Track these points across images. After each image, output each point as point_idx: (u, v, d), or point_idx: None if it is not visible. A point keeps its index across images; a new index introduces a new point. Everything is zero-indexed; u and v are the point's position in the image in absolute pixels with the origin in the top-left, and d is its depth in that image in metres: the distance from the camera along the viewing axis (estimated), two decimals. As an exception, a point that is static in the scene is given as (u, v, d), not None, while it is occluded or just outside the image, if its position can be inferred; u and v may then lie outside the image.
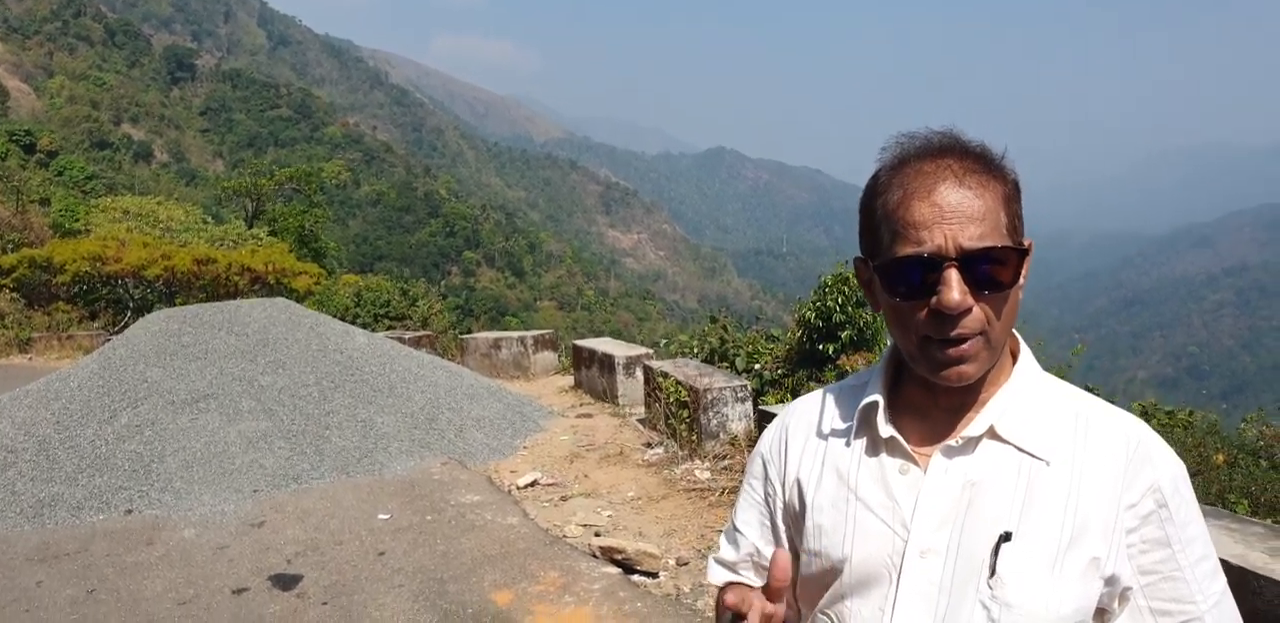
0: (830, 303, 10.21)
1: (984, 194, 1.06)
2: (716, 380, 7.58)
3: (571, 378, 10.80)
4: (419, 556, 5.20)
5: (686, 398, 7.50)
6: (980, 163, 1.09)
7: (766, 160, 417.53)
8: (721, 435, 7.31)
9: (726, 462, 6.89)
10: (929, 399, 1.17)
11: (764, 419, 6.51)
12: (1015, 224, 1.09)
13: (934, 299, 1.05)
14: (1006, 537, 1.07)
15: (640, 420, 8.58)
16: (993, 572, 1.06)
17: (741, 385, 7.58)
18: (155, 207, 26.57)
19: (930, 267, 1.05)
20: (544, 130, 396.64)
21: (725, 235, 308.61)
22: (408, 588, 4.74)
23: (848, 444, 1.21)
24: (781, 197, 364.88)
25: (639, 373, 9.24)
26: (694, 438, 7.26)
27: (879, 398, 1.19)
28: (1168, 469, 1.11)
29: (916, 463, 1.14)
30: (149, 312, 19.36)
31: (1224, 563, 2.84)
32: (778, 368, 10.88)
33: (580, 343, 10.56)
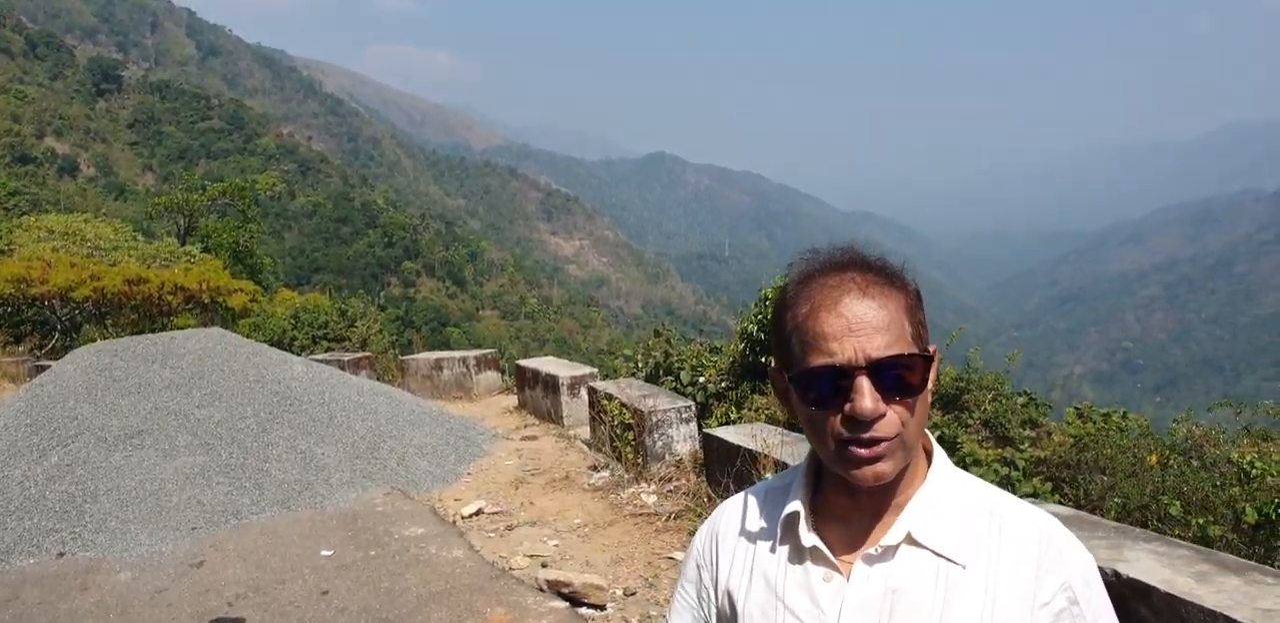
0: (771, 315, 10.30)
1: (887, 304, 1.12)
2: (661, 402, 7.60)
3: (515, 398, 10.74)
4: (363, 594, 5.13)
5: (631, 420, 7.51)
6: (881, 275, 1.15)
7: (707, 165, 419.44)
8: (667, 457, 7.33)
9: (673, 484, 6.91)
10: (850, 503, 1.20)
11: (709, 442, 6.54)
12: (919, 332, 1.14)
13: (848, 406, 1.10)
14: None
15: (586, 442, 8.57)
16: None
17: (686, 406, 7.61)
18: (82, 224, 25.84)
19: (842, 376, 1.10)
20: (483, 138, 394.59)
21: (668, 240, 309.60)
22: (352, 630, 4.67)
23: (773, 550, 1.24)
24: (723, 201, 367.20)
25: (583, 393, 9.23)
26: (640, 461, 7.26)
27: (800, 508, 1.22)
28: (1078, 566, 1.16)
29: (839, 571, 1.17)
30: (77, 333, 18.89)
31: (1152, 589, 2.93)
32: (722, 381, 10.95)
33: (524, 363, 10.51)
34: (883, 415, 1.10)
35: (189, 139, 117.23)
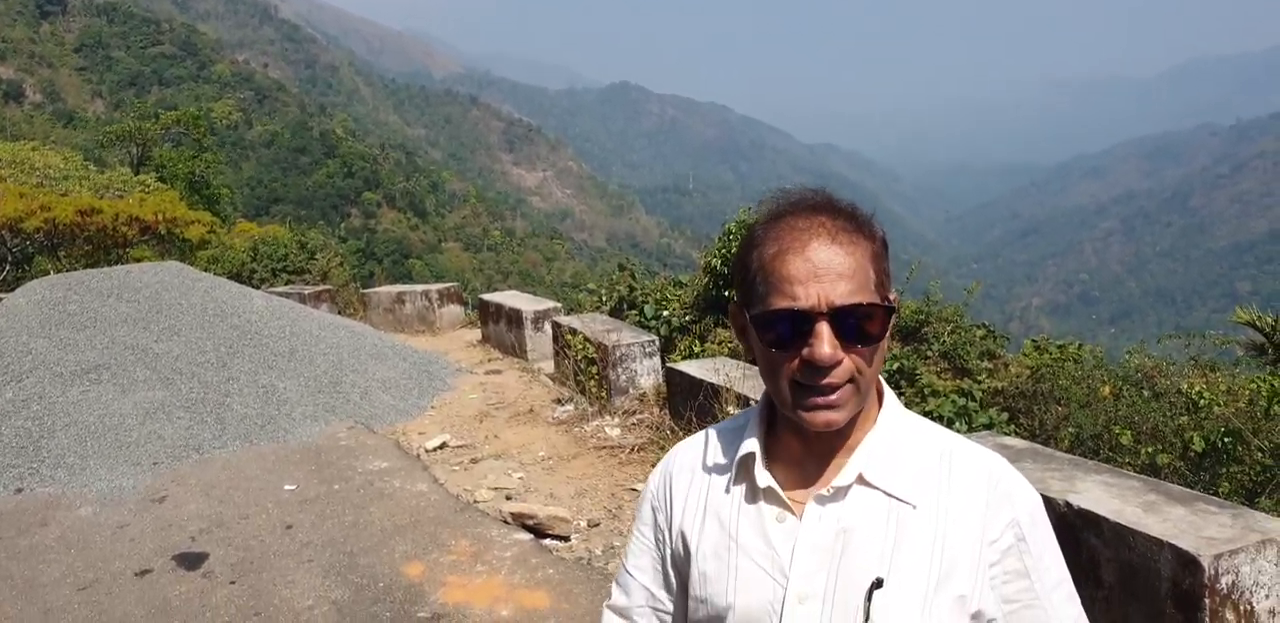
0: (735, 249, 10.30)
1: (854, 252, 1.11)
2: (625, 336, 7.61)
3: (479, 332, 10.71)
4: (327, 528, 5.16)
5: (595, 354, 7.52)
6: (851, 222, 1.14)
7: (671, 96, 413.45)
8: (631, 391, 7.37)
9: (636, 418, 6.96)
10: (802, 445, 1.21)
11: (671, 376, 6.58)
12: (883, 280, 1.14)
13: (806, 351, 1.10)
14: (878, 583, 1.11)
15: (550, 376, 8.59)
16: (866, 618, 1.11)
17: (650, 340, 7.63)
18: (30, 153, 24.99)
19: (802, 320, 1.10)
20: (442, 66, 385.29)
21: (633, 172, 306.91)
22: (317, 563, 4.71)
23: (727, 491, 1.25)
24: (688, 133, 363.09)
25: (547, 328, 9.21)
26: (603, 394, 7.30)
27: (755, 448, 1.23)
28: (1025, 504, 1.18)
29: (792, 511, 1.18)
30: (29, 265, 18.46)
31: (1101, 519, 3.01)
32: (686, 314, 10.98)
33: (487, 297, 10.45)
34: (839, 362, 1.10)
35: (140, 65, 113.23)
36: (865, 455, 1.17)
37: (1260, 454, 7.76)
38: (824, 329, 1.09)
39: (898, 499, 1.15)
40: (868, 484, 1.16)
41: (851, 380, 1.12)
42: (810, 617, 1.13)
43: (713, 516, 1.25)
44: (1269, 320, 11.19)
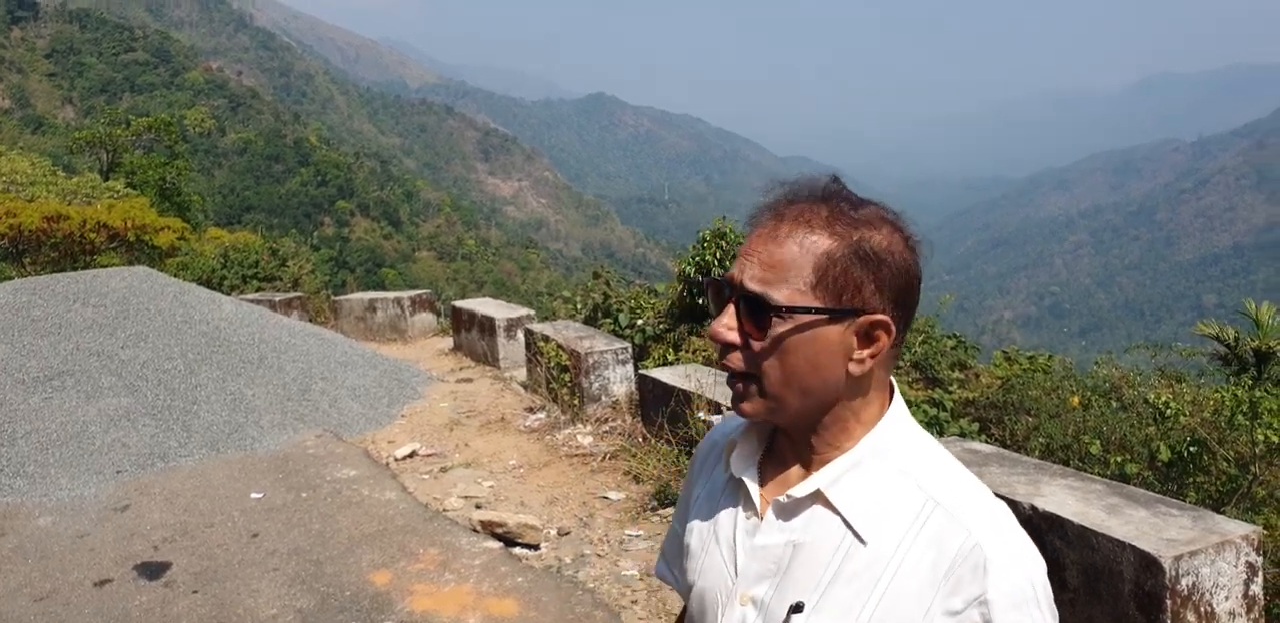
0: (709, 258, 10.34)
1: (801, 245, 1.05)
2: (597, 343, 7.60)
3: (451, 339, 10.66)
4: (294, 536, 5.10)
5: (568, 361, 7.50)
6: (824, 217, 1.07)
7: (647, 108, 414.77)
8: (604, 398, 7.36)
9: (609, 425, 6.94)
10: (789, 443, 1.16)
11: (644, 382, 6.57)
12: (829, 287, 1.04)
13: None
14: (797, 608, 1.06)
15: (522, 384, 8.56)
16: None
17: (623, 347, 7.62)
18: (-4, 159, 24.75)
19: (721, 291, 1.11)
20: (418, 76, 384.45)
21: (608, 183, 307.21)
22: (283, 571, 4.64)
23: (724, 472, 1.23)
24: (663, 144, 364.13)
25: (520, 335, 9.18)
26: (576, 402, 7.28)
27: (737, 435, 1.20)
28: (1006, 584, 1.01)
29: (757, 512, 1.15)
30: (-6, 274, 18.19)
31: (1065, 521, 3.03)
32: (660, 323, 10.99)
33: (460, 304, 10.41)
34: (734, 345, 1.09)
35: (111, 72, 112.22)
36: (831, 472, 1.09)
37: (1225, 464, 7.86)
38: (729, 307, 1.08)
39: (851, 529, 1.06)
40: (827, 503, 1.09)
41: (749, 375, 1.08)
42: (747, 620, 1.11)
43: (712, 491, 1.24)
44: (1231, 333, 11.38)
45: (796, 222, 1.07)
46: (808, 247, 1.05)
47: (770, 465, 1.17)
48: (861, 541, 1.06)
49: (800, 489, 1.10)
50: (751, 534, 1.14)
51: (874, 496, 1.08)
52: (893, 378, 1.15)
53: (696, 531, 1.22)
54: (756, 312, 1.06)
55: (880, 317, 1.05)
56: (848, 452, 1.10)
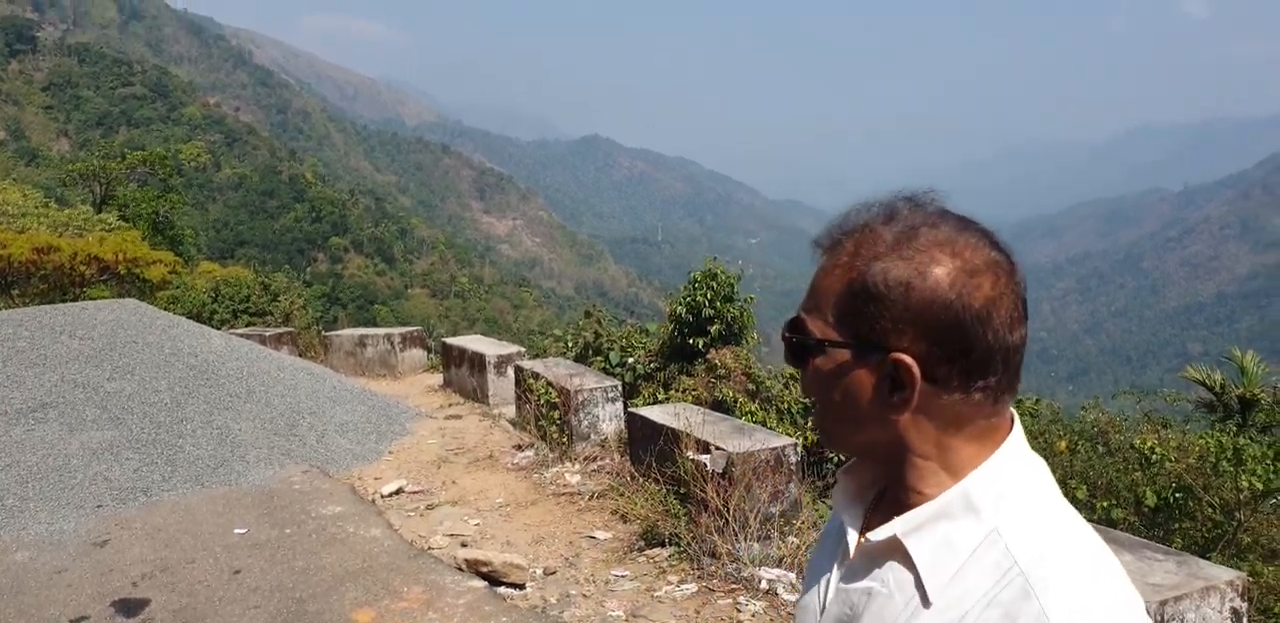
0: (699, 298, 10.38)
1: (829, 273, 1.00)
2: (587, 381, 7.59)
3: (441, 376, 10.63)
4: (277, 573, 5.04)
5: (557, 399, 7.48)
6: (852, 245, 0.99)
7: (641, 150, 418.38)
8: (593, 437, 7.34)
9: (597, 464, 6.91)
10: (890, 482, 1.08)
11: (633, 421, 6.55)
12: (846, 321, 0.98)
13: None
14: None
15: (511, 421, 8.53)
16: None
17: (613, 386, 7.62)
18: (-13, 189, 24.75)
19: None
20: (415, 114, 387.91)
21: (602, 223, 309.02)
22: (264, 609, 4.58)
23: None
24: (656, 186, 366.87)
25: (510, 372, 9.17)
26: (564, 440, 7.25)
27: (841, 473, 1.13)
28: None
29: (849, 552, 1.06)
30: (-17, 305, 18.12)
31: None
32: (651, 362, 10.99)
33: (450, 341, 10.40)
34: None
35: (109, 105, 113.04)
36: (911, 519, 0.98)
37: (1210, 510, 7.87)
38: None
39: (921, 587, 0.95)
40: (905, 553, 0.97)
41: (812, 402, 1.04)
42: None
43: (830, 527, 1.18)
44: (1218, 379, 11.45)
45: (834, 248, 1.01)
46: (835, 276, 0.99)
47: (885, 504, 1.06)
48: (926, 602, 0.94)
49: (878, 534, 1.00)
50: (841, 576, 1.06)
51: (955, 554, 0.94)
52: (1016, 420, 1.01)
53: (812, 565, 1.17)
54: (791, 339, 1.03)
55: (898, 357, 0.94)
56: (933, 500, 0.98)
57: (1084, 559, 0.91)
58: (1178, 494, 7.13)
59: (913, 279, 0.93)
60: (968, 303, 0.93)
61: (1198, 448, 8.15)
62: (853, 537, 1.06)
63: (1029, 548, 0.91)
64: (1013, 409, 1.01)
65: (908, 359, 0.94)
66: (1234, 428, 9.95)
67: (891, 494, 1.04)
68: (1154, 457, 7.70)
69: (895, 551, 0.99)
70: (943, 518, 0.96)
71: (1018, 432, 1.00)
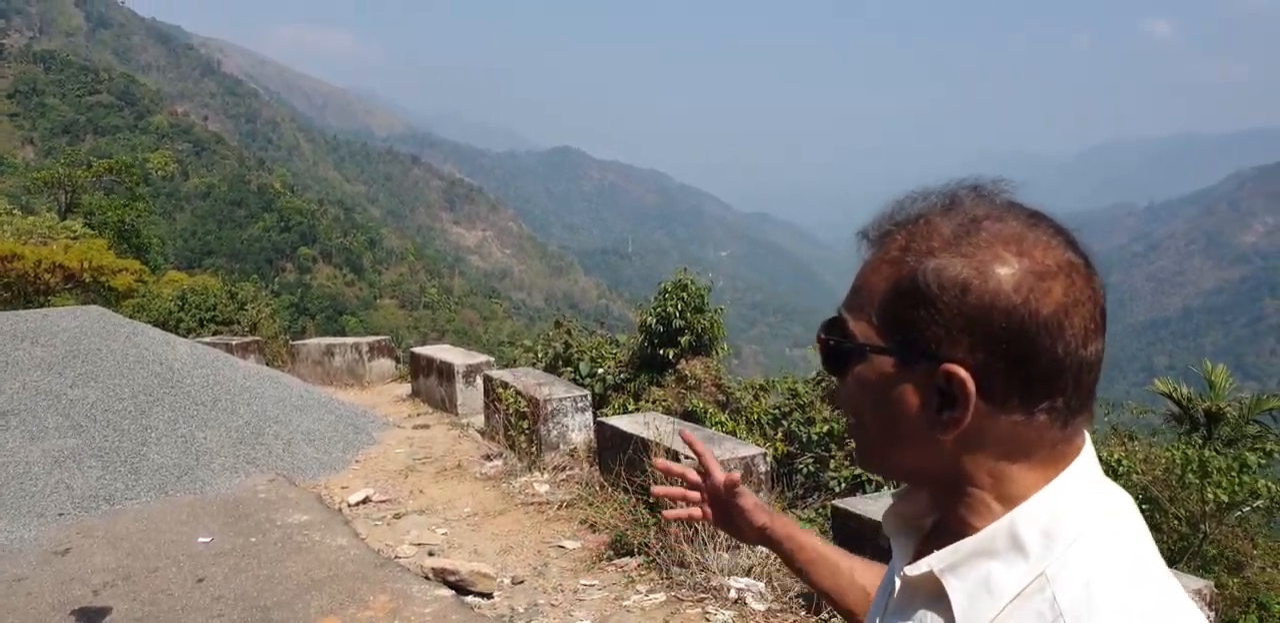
0: (670, 309, 10.40)
1: (876, 269, 0.88)
2: (556, 390, 7.57)
3: (409, 386, 10.56)
4: (241, 581, 4.97)
5: (526, 408, 7.46)
6: (904, 237, 0.87)
7: (612, 161, 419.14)
8: (562, 446, 7.31)
9: (566, 473, 6.89)
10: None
11: (602, 430, 6.54)
12: (890, 324, 0.85)
13: None
14: None
15: (479, 431, 8.48)
16: None
17: (582, 395, 7.60)
18: (-50, 197, 24.41)
19: None
20: (385, 124, 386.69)
21: (572, 234, 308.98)
22: (227, 617, 4.52)
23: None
24: (627, 198, 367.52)
25: (479, 382, 9.13)
26: (534, 449, 7.22)
27: (895, 496, 1.02)
28: None
29: (895, 582, 0.95)
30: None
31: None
32: (621, 372, 10.99)
33: (419, 350, 10.34)
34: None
35: (75, 113, 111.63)
36: (950, 555, 0.85)
37: (1177, 522, 7.95)
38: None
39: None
40: (942, 589, 0.86)
41: (849, 418, 0.93)
42: None
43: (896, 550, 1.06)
44: (1184, 392, 11.60)
45: (883, 240, 0.88)
46: (882, 273, 0.86)
47: (941, 533, 0.92)
48: None
49: (915, 568, 0.89)
50: (889, 612, 0.95)
51: (994, 599, 0.82)
52: (1089, 444, 0.88)
53: (876, 595, 1.06)
54: (830, 347, 0.91)
55: (950, 368, 0.81)
56: (978, 533, 0.85)
57: (1148, 619, 0.76)
58: (1144, 506, 7.21)
59: (972, 280, 0.80)
60: (1035, 309, 0.79)
61: (1164, 460, 8.26)
62: (900, 563, 0.94)
63: (1081, 601, 0.76)
64: (1087, 434, 0.88)
65: (961, 372, 0.80)
66: (1200, 441, 10.09)
67: (944, 523, 0.91)
68: (1120, 469, 7.78)
69: (934, 589, 0.87)
70: (983, 555, 0.83)
71: (1086, 458, 0.86)
